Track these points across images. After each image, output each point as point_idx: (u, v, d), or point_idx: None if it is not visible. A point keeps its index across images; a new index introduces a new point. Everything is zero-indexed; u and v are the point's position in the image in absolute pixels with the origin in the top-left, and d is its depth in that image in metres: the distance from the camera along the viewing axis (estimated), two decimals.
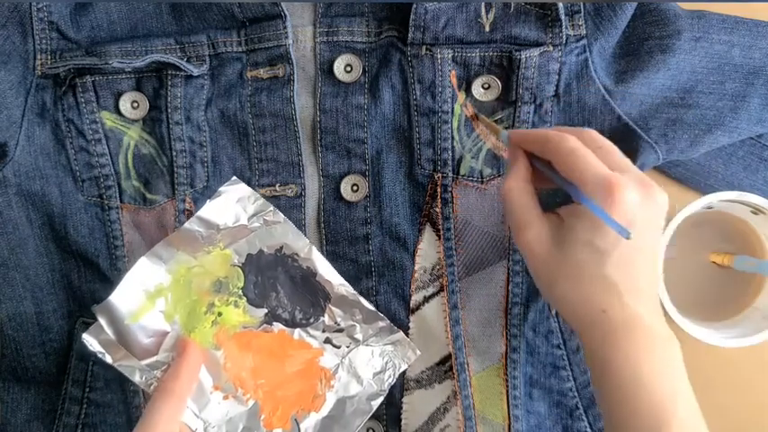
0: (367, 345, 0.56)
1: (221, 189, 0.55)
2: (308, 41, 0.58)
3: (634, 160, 0.57)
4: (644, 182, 0.46)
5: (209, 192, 0.58)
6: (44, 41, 0.57)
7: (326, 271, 0.55)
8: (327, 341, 0.56)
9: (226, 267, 0.55)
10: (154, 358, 0.53)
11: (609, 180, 0.44)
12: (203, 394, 0.53)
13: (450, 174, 0.58)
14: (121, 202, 0.58)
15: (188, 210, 0.57)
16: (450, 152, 0.58)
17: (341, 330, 0.56)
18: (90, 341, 0.52)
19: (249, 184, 0.57)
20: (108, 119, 0.57)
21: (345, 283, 0.55)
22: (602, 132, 0.57)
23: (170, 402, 0.49)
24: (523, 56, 0.56)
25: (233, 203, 0.55)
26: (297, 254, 0.55)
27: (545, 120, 0.58)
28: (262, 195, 0.56)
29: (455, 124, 0.58)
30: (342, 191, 0.58)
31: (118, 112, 0.57)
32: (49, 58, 0.57)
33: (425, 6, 0.55)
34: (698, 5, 0.59)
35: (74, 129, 0.57)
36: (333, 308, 0.55)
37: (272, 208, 0.55)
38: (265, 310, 0.55)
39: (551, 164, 0.47)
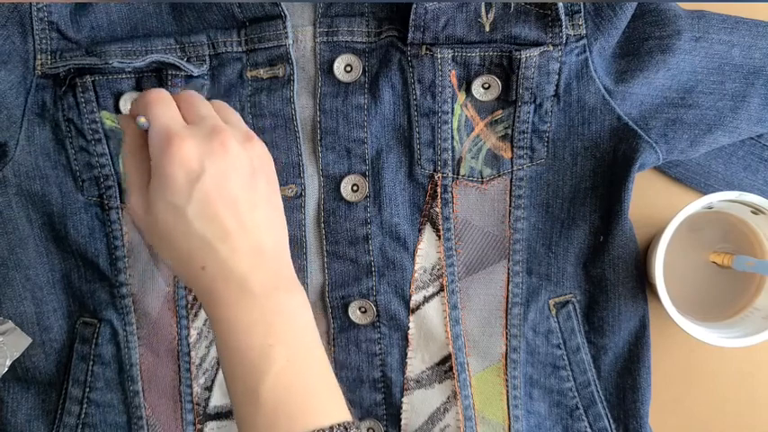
0: None
1: None
2: (308, 41, 0.58)
3: (634, 160, 0.57)
4: (213, 131, 0.45)
5: None
6: (44, 41, 0.57)
7: None
8: None
9: None
10: None
11: (168, 132, 0.44)
12: None
13: (451, 174, 0.58)
14: (122, 201, 0.58)
15: None
16: (450, 152, 0.58)
17: None
18: None
19: None
20: (108, 119, 0.57)
21: None
22: (601, 133, 0.58)
23: None
24: (523, 56, 0.56)
25: None
26: None
27: (545, 119, 0.58)
28: None
29: (455, 124, 0.58)
30: (342, 191, 0.58)
31: (118, 111, 0.57)
32: (49, 58, 0.57)
33: (425, 6, 0.55)
34: (698, 5, 0.59)
35: (74, 129, 0.57)
36: None
37: None
38: None
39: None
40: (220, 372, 0.58)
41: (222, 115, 0.48)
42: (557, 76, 0.57)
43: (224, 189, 0.45)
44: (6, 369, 0.56)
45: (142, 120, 0.46)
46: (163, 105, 0.46)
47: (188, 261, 0.45)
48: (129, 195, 0.47)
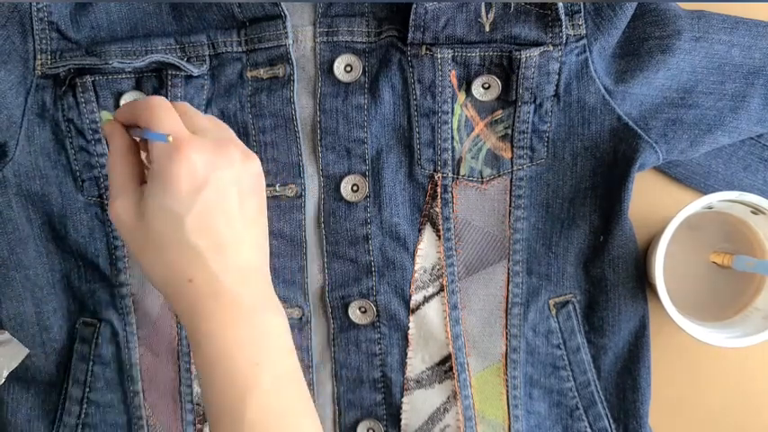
0: None
1: None
2: (308, 41, 0.58)
3: (634, 160, 0.57)
4: (220, 143, 0.45)
5: None
6: (44, 41, 0.57)
7: None
8: None
9: None
10: None
11: (178, 138, 0.44)
12: None
13: (451, 174, 0.58)
14: None
15: None
16: (450, 152, 0.58)
17: None
18: None
19: None
20: (108, 119, 0.57)
21: None
22: (601, 133, 0.58)
23: None
24: (523, 56, 0.56)
25: None
26: None
27: (545, 119, 0.58)
28: None
29: (455, 124, 0.58)
30: (342, 191, 0.58)
31: None
32: (49, 58, 0.57)
33: (425, 6, 0.55)
34: (698, 5, 0.59)
35: (74, 129, 0.57)
36: None
37: None
38: None
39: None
40: None
41: (218, 130, 0.48)
42: (557, 76, 0.57)
43: (224, 202, 0.45)
44: (3, 380, 0.56)
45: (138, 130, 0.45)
46: (167, 112, 0.46)
47: (175, 273, 0.45)
48: (115, 200, 0.46)
